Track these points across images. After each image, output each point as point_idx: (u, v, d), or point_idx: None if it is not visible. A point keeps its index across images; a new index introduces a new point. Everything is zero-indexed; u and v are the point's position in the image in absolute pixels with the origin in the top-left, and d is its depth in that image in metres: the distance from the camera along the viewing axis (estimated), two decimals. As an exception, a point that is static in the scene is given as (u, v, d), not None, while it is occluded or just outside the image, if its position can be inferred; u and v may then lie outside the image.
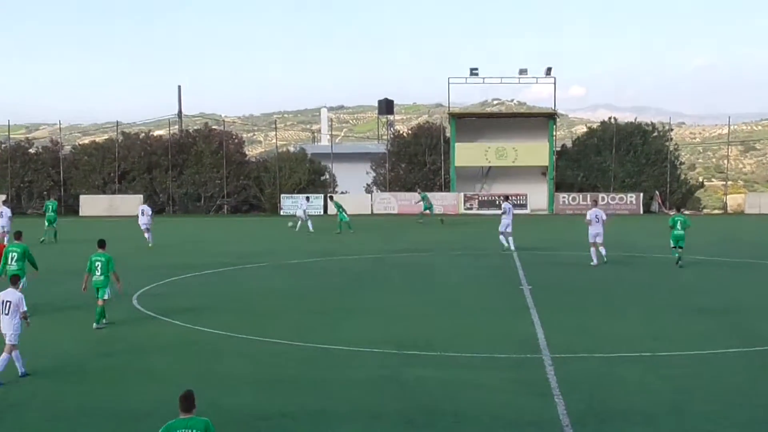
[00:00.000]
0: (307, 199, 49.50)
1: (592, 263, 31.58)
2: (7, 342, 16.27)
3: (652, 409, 14.01)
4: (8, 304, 16.30)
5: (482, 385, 15.42)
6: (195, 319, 21.61)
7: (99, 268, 20.93)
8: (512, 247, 35.70)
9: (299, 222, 46.79)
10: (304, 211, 47.15)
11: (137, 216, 41.79)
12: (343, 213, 45.84)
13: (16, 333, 16.24)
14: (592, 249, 31.85)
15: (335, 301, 24.47)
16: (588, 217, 32.38)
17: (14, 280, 16.93)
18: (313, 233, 44.76)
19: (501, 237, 36.24)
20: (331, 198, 51.60)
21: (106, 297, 21.06)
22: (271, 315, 22.49)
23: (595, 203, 38.71)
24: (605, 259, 31.75)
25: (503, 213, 36.47)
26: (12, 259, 22.49)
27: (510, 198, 42.59)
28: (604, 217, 32.42)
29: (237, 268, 31.85)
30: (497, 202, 60.98)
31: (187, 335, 19.98)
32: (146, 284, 26.98)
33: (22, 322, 16.28)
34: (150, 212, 40.80)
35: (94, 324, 20.72)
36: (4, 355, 16.16)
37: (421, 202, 52.21)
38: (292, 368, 16.79)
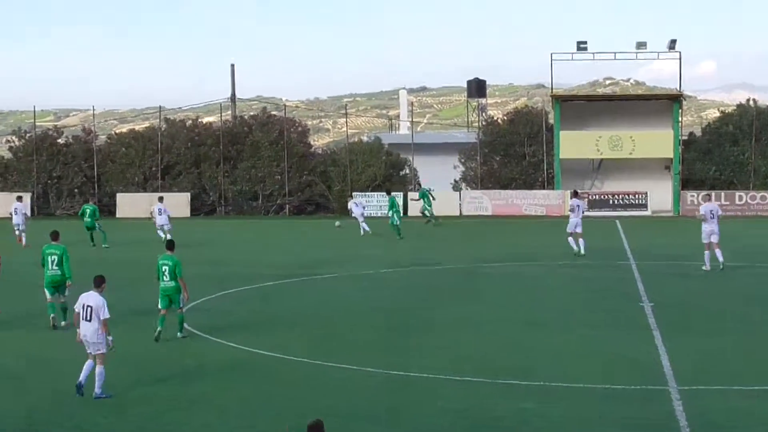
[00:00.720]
0: (363, 208, 50.30)
1: (704, 268, 32.04)
2: (93, 353, 16.66)
3: (805, 454, 13.67)
4: (89, 309, 16.60)
5: (595, 423, 15.28)
6: (250, 339, 21.78)
7: (166, 273, 21.46)
8: (582, 251, 36.77)
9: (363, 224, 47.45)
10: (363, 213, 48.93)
11: (153, 217, 43.88)
12: (397, 214, 46.14)
13: (102, 342, 16.59)
14: (707, 252, 32.28)
15: (415, 319, 24.45)
16: (702, 212, 32.82)
17: (98, 282, 17.27)
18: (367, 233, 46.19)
19: (570, 240, 37.22)
20: (388, 192, 51.58)
21: (182, 305, 21.79)
22: (339, 335, 22.57)
23: (709, 197, 38.62)
24: (722, 265, 31.88)
25: (571, 210, 37.77)
26: (52, 262, 23.32)
27: (580, 194, 42.51)
28: (720, 213, 32.86)
29: (300, 279, 32.03)
30: (611, 202, 60.58)
31: (240, 358, 20.15)
32: (195, 298, 27.13)
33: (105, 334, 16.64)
34: (168, 212, 43.46)
35: (178, 334, 21.78)
36: (98, 368, 16.54)
37: (422, 201, 53.28)
38: (364, 398, 16.82)
